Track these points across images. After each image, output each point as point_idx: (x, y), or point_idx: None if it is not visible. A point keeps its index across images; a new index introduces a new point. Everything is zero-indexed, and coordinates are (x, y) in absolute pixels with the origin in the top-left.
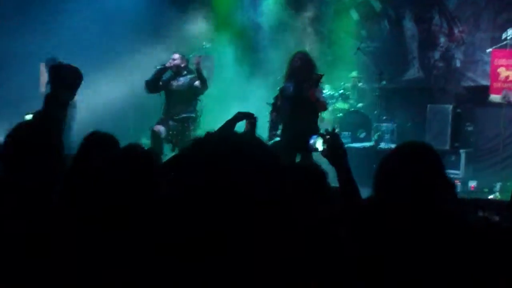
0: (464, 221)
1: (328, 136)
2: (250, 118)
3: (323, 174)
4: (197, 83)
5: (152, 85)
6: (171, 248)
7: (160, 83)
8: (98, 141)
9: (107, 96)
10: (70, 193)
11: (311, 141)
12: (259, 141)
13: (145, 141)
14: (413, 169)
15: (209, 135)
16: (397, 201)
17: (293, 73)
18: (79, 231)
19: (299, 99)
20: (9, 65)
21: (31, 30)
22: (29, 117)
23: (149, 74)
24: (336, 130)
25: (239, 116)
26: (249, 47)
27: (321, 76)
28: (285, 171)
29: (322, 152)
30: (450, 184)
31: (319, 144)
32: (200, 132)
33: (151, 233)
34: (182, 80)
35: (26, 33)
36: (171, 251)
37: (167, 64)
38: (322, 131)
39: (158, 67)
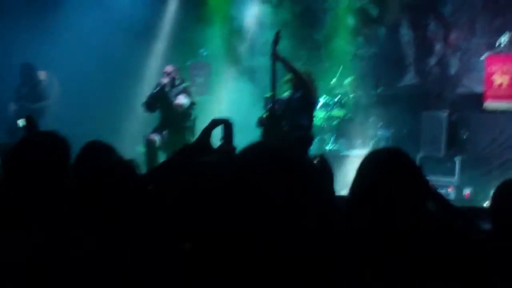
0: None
1: (316, 160)
2: (226, 124)
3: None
4: (185, 100)
5: (151, 107)
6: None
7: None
8: (96, 150)
9: (103, 102)
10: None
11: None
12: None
13: (140, 150)
14: (388, 176)
15: (187, 146)
16: (372, 208)
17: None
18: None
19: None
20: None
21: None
22: (21, 122)
23: (143, 89)
24: (332, 138)
25: (215, 122)
26: (247, 53)
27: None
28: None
29: None
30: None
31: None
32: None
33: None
34: (175, 92)
35: (24, 39)
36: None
37: (162, 82)
38: (323, 144)
39: (154, 90)
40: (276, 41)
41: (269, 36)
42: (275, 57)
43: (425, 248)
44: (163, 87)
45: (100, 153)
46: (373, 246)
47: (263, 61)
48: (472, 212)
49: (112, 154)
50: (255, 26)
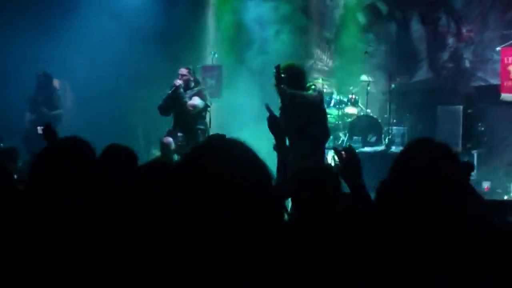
0: (489, 224)
1: (343, 152)
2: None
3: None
4: (198, 102)
5: (167, 110)
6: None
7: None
8: (117, 153)
9: (117, 107)
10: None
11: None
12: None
13: (155, 152)
14: (436, 168)
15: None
16: (414, 197)
17: (296, 83)
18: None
19: (312, 106)
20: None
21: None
22: (41, 129)
23: (157, 93)
24: (346, 135)
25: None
26: (257, 53)
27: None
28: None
29: (335, 167)
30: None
31: (330, 158)
32: None
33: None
34: (189, 94)
35: (38, 48)
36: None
37: (177, 82)
38: (338, 141)
39: (169, 92)
40: (278, 77)
41: (268, 33)
42: (282, 93)
43: (469, 241)
44: (177, 88)
45: (120, 156)
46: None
47: (268, 59)
48: (501, 206)
49: (132, 157)
50: (259, 24)
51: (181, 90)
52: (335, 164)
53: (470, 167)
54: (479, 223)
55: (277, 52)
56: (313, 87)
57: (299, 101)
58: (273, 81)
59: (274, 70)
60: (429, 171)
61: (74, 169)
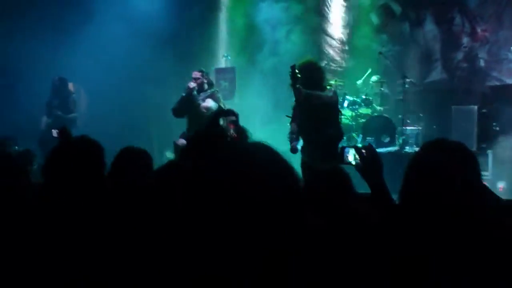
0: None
1: (364, 150)
2: (231, 115)
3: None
4: (212, 104)
5: (180, 112)
6: None
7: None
8: (132, 156)
9: (131, 110)
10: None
11: (345, 154)
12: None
13: (169, 155)
14: (454, 168)
15: (198, 132)
16: (434, 202)
17: (314, 81)
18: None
19: (327, 106)
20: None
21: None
22: (56, 132)
23: (171, 96)
24: (360, 136)
25: (220, 112)
26: (269, 55)
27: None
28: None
29: (356, 166)
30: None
31: (351, 157)
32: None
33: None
34: (203, 96)
35: (52, 52)
36: None
37: (191, 85)
38: (351, 142)
39: (183, 94)
40: (294, 77)
41: (280, 34)
42: (298, 93)
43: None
44: (191, 90)
45: (136, 158)
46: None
47: (280, 60)
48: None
49: (147, 159)
50: (271, 25)
51: (195, 92)
52: (355, 162)
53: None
54: (494, 223)
55: (289, 53)
56: (328, 87)
57: (314, 102)
58: (289, 81)
59: (290, 70)
60: (446, 171)
61: (83, 165)
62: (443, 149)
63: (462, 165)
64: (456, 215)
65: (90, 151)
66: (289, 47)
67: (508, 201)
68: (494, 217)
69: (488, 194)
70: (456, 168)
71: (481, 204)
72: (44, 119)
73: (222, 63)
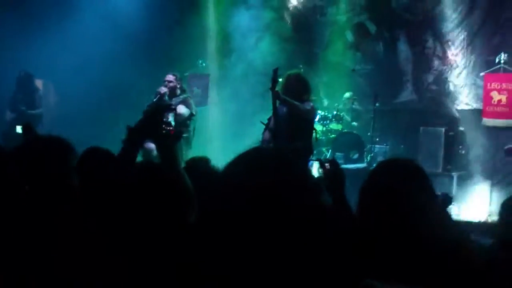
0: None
1: (327, 164)
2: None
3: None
4: (184, 110)
5: None
6: None
7: None
8: (97, 157)
9: (102, 110)
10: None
11: (309, 167)
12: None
13: (138, 158)
14: (404, 187)
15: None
16: (384, 220)
17: (293, 91)
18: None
19: (292, 118)
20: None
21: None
22: (20, 128)
23: (143, 98)
24: (329, 152)
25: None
26: (247, 68)
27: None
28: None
29: (318, 179)
30: (440, 205)
31: (315, 169)
32: (193, 152)
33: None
34: (175, 101)
35: (23, 48)
36: None
37: (162, 90)
38: (321, 156)
39: (154, 99)
40: (274, 80)
41: (251, 41)
42: (276, 96)
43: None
44: (162, 96)
45: (100, 159)
46: (387, 247)
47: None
48: (470, 227)
49: (111, 161)
50: (241, 33)
51: (166, 98)
52: (319, 175)
53: (448, 200)
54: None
55: (261, 59)
56: (310, 103)
57: (289, 110)
58: (268, 84)
59: (272, 73)
60: (392, 189)
61: (49, 165)
62: (393, 167)
63: (408, 182)
64: (398, 231)
65: (57, 150)
66: (258, 54)
67: (461, 221)
68: (438, 235)
69: (437, 214)
70: (402, 186)
71: (426, 223)
72: (9, 113)
73: (197, 69)
